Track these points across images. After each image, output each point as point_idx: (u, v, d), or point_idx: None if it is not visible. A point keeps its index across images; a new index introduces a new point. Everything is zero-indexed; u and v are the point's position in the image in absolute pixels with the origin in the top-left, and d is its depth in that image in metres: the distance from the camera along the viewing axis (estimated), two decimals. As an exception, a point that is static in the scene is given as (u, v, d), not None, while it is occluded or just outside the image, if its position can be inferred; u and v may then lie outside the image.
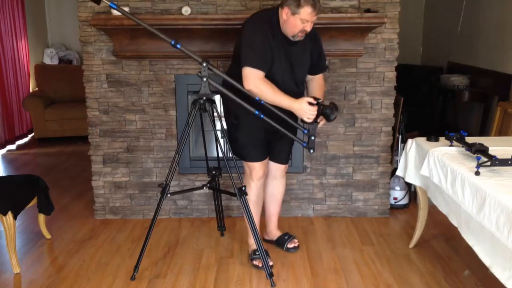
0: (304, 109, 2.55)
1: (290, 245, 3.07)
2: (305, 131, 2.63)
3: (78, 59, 6.83)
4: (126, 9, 3.23)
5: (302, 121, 2.63)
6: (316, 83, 2.86)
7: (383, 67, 3.45)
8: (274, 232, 3.14)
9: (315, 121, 2.61)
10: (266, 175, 2.94)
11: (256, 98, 2.55)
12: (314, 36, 2.74)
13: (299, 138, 2.72)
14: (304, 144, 2.64)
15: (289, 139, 2.89)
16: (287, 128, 2.67)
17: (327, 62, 2.91)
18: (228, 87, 2.61)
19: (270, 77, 2.59)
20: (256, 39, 2.56)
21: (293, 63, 2.68)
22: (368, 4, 3.31)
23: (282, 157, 2.99)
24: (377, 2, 3.33)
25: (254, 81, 2.53)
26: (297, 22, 2.50)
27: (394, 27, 3.39)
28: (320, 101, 2.60)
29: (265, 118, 2.58)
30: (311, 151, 2.63)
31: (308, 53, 2.74)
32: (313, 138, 2.63)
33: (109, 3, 2.41)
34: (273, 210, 3.10)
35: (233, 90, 2.59)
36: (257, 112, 2.56)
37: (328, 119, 2.57)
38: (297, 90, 2.73)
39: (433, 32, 6.13)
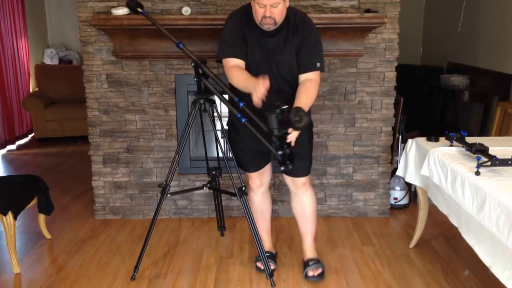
0: (257, 85, 2.24)
1: (310, 273, 2.72)
2: (278, 143, 2.30)
3: (78, 59, 6.84)
4: (126, 9, 3.21)
5: (271, 132, 2.30)
6: (302, 87, 2.49)
7: (383, 67, 3.45)
8: (307, 254, 2.82)
9: (285, 132, 2.28)
10: (267, 186, 2.82)
11: (235, 99, 2.42)
12: (302, 31, 2.50)
13: (276, 151, 2.32)
14: (280, 159, 2.31)
15: (300, 150, 2.56)
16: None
17: (319, 64, 2.52)
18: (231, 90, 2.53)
19: (247, 68, 2.49)
20: (226, 32, 2.55)
21: (270, 56, 2.50)
22: (368, 4, 3.31)
23: (293, 170, 2.58)
24: (377, 2, 3.33)
25: (226, 69, 2.48)
26: (256, 7, 2.38)
27: (394, 27, 3.39)
28: (285, 107, 2.24)
29: (246, 124, 2.37)
30: (282, 167, 2.31)
31: (292, 48, 2.50)
32: (282, 152, 2.29)
33: (141, 11, 2.63)
34: (303, 229, 2.82)
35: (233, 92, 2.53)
36: (239, 115, 2.40)
37: (293, 125, 2.21)
38: (278, 87, 2.50)
39: (433, 32, 6.13)
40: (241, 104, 2.37)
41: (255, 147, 2.62)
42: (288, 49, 2.51)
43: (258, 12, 2.39)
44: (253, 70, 2.49)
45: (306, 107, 2.37)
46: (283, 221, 3.42)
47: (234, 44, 2.50)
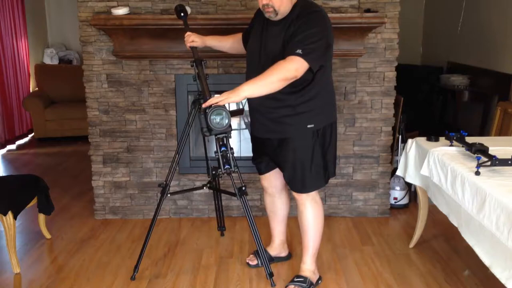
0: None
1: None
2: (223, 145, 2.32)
3: (78, 59, 6.83)
4: (126, 9, 3.23)
5: (201, 131, 2.31)
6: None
7: (383, 67, 3.45)
8: (300, 268, 2.72)
9: (216, 133, 2.24)
10: (278, 190, 2.77)
11: (207, 97, 2.37)
12: (298, 23, 2.29)
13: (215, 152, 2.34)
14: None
15: (293, 164, 2.51)
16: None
17: (300, 51, 2.21)
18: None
19: (246, 52, 2.59)
20: None
21: (262, 44, 2.42)
22: (368, 4, 3.31)
23: (287, 179, 2.60)
24: (377, 2, 3.33)
25: None
26: None
27: (394, 27, 3.39)
28: (215, 107, 2.17)
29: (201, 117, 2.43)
30: (218, 170, 2.32)
31: (281, 38, 2.34)
32: (217, 154, 2.28)
33: (182, 15, 2.77)
34: (302, 240, 2.71)
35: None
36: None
37: (212, 127, 2.20)
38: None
39: (433, 32, 6.12)
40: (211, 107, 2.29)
41: (259, 150, 2.66)
42: (278, 40, 2.36)
43: (259, 0, 2.35)
44: (248, 55, 2.54)
45: (250, 82, 2.24)
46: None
47: (246, 29, 2.69)
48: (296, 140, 2.45)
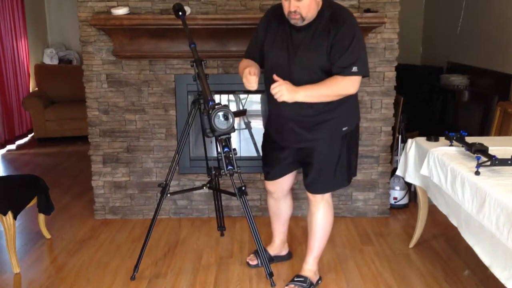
0: (244, 78, 2.30)
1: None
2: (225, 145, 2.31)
3: (78, 59, 6.83)
4: (126, 9, 3.23)
5: (203, 132, 2.31)
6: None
7: (383, 67, 3.45)
8: (301, 269, 2.71)
9: (219, 134, 2.24)
10: (283, 194, 2.75)
11: (208, 98, 2.35)
12: (334, 28, 2.26)
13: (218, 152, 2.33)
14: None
15: (319, 166, 2.49)
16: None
17: (356, 68, 2.26)
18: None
19: (267, 62, 2.43)
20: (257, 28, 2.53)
21: (293, 53, 2.34)
22: (368, 4, 3.31)
23: (306, 181, 2.58)
24: (377, 2, 3.33)
25: None
26: (283, 1, 2.27)
27: (394, 27, 3.39)
28: (218, 106, 2.18)
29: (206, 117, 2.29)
30: (221, 171, 2.30)
31: (320, 47, 2.28)
32: (220, 155, 2.27)
33: (180, 14, 2.63)
34: (308, 242, 2.68)
35: None
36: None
37: (216, 129, 2.19)
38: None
39: (433, 32, 6.12)
40: (210, 104, 2.28)
41: (270, 154, 2.64)
42: (313, 47, 2.31)
43: (284, 6, 2.27)
44: (271, 66, 2.42)
45: (307, 88, 2.25)
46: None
47: (251, 45, 2.55)
48: (325, 144, 2.44)
